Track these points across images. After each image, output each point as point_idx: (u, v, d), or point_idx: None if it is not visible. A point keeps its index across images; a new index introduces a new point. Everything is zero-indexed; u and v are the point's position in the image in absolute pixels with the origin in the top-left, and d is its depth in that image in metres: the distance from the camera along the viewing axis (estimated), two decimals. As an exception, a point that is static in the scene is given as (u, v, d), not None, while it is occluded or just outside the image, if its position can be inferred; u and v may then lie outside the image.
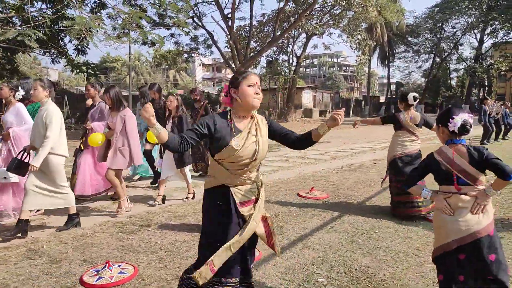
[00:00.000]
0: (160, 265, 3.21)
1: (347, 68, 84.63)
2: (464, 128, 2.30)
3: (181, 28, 15.35)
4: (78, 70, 24.13)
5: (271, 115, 28.75)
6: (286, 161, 9.19)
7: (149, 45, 25.59)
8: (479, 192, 2.24)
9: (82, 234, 3.96)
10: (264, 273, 3.07)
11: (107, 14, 19.47)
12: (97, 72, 25.36)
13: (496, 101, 14.13)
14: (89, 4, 21.10)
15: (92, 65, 24.57)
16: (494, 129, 13.07)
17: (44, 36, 11.38)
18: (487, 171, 2.26)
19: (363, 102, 43.53)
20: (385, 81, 52.70)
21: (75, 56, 23.80)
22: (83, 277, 2.91)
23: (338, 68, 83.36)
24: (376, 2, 23.93)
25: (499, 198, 5.41)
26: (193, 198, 5.41)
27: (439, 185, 2.38)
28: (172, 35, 24.94)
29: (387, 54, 44.73)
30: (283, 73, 28.85)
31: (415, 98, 4.68)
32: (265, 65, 31.46)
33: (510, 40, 39.85)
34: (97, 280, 2.84)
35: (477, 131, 14.97)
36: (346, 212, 4.79)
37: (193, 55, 33.19)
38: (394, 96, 52.24)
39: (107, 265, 2.96)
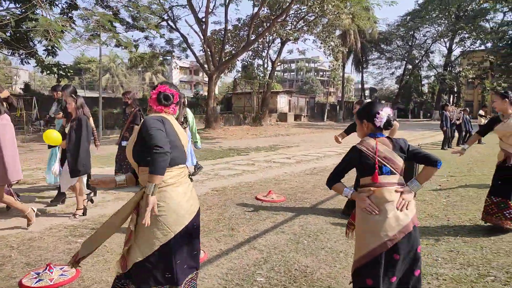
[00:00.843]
0: (104, 267, 3.26)
1: (324, 73, 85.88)
2: (389, 123, 2.35)
3: (152, 31, 15.16)
4: (48, 71, 23.61)
5: (246, 118, 28.91)
6: (252, 164, 9.32)
7: (122, 48, 25.40)
8: (405, 188, 2.29)
9: (31, 238, 3.95)
10: (205, 273, 3.17)
11: (78, 16, 19.18)
12: (68, 74, 24.87)
13: (456, 107, 14.74)
14: (59, 5, 20.79)
15: (63, 66, 24.05)
16: (455, 135, 13.62)
17: (8, 37, 11.14)
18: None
19: (337, 107, 44.29)
20: (361, 86, 53.77)
21: (45, 57, 23.23)
22: (22, 280, 2.93)
23: (315, 73, 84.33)
24: (349, 10, 24.48)
25: (444, 201, 5.69)
26: (83, 214, 4.72)
27: (361, 178, 2.36)
28: (146, 38, 24.77)
29: (361, 60, 45.74)
30: (258, 78, 29.07)
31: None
32: (240, 69, 31.63)
33: (477, 49, 41.52)
34: (36, 282, 2.86)
35: (438, 137, 15.56)
36: (299, 215, 4.95)
37: (169, 58, 33.05)
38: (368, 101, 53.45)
39: (48, 267, 2.99)
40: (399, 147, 2.33)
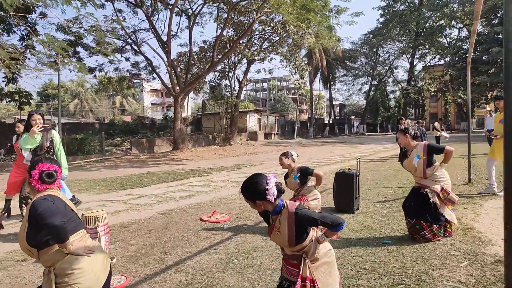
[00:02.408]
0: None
1: (296, 91, 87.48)
2: (280, 191, 2.23)
3: (117, 54, 15.12)
4: (9, 99, 22.97)
5: (216, 139, 28.94)
6: (208, 185, 9.30)
7: (87, 72, 25.17)
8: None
9: None
10: (121, 300, 3.12)
11: (37, 42, 18.98)
12: (30, 100, 24.29)
13: (410, 121, 15.28)
14: (18, 32, 20.46)
15: (25, 93, 23.50)
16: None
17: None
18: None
19: (308, 124, 45.00)
20: (329, 103, 54.96)
21: (5, 85, 22.61)
22: None
23: (287, 91, 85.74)
24: (312, 30, 25.22)
25: (385, 213, 5.85)
26: None
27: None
28: (111, 62, 24.67)
29: (328, 77, 46.92)
30: (225, 98, 29.30)
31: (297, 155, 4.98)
32: (208, 90, 31.82)
33: (437, 63, 43.46)
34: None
35: (396, 150, 16.02)
36: (238, 234, 4.96)
37: (136, 80, 32.89)
38: (338, 117, 54.60)
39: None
40: (299, 221, 2.23)
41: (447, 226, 4.42)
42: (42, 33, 18.99)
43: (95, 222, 3.90)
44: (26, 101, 22.97)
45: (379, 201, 6.74)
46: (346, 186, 5.90)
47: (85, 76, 22.65)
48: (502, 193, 6.44)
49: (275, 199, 2.22)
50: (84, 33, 18.43)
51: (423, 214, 4.34)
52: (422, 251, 3.98)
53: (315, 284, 2.24)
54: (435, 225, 4.34)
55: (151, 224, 5.57)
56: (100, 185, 10.06)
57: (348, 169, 6.19)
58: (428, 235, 4.30)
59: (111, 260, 3.94)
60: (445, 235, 4.40)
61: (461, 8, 34.92)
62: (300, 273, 2.26)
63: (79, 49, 23.09)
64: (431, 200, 4.37)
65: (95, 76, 25.28)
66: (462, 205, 5.75)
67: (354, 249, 4.21)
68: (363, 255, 4.00)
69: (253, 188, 2.22)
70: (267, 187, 2.17)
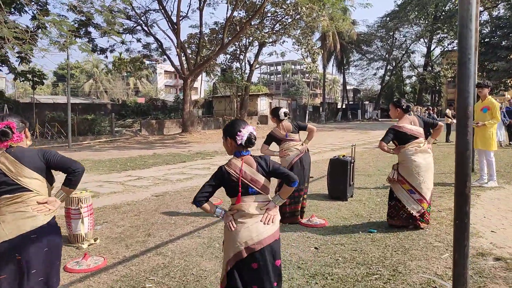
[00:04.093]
0: None
1: (309, 75, 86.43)
2: (250, 141, 2.36)
3: (111, 35, 15.10)
4: (23, 78, 23.28)
5: (226, 122, 28.92)
6: (208, 168, 9.32)
7: (98, 53, 25.28)
8: (270, 203, 2.38)
9: None
10: (95, 281, 3.16)
11: (46, 22, 19.04)
12: (43, 80, 24.56)
13: (420, 108, 14.94)
14: (29, 11, 20.59)
15: (38, 73, 23.77)
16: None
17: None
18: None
19: (320, 108, 44.53)
20: (343, 87, 54.18)
21: (18, 64, 22.89)
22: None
23: (302, 75, 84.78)
24: (325, 12, 24.66)
25: (378, 201, 5.76)
26: None
27: (230, 198, 2.38)
28: (122, 43, 24.67)
29: (342, 61, 46.11)
30: (236, 81, 29.11)
31: (285, 114, 4.86)
32: (219, 73, 31.65)
33: (455, 48, 42.12)
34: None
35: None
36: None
37: (148, 62, 32.89)
38: (351, 102, 53.86)
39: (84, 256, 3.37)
40: (261, 166, 2.37)
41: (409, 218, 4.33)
42: (55, 12, 19.02)
43: (78, 203, 3.96)
44: (39, 80, 23.24)
45: (375, 188, 6.65)
46: (340, 173, 5.82)
47: (101, 53, 22.67)
48: (489, 184, 6.32)
49: (242, 146, 2.35)
50: (93, 13, 18.44)
51: None
52: (406, 241, 3.92)
53: None
54: (390, 202, 4.50)
55: (142, 206, 5.63)
56: (104, 165, 10.21)
57: (343, 156, 6.09)
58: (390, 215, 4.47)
59: (94, 241, 4.00)
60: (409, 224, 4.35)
61: (482, -10, 33.56)
62: None
63: (91, 29, 23.18)
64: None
65: (106, 56, 25.38)
66: (451, 194, 5.62)
67: (338, 236, 4.17)
68: (346, 243, 3.95)
69: (229, 126, 2.43)
70: (240, 129, 2.34)
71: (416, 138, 4.34)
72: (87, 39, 23.50)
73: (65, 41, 13.85)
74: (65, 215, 4.06)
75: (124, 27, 23.90)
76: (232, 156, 2.42)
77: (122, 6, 21.56)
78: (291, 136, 4.88)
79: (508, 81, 30.61)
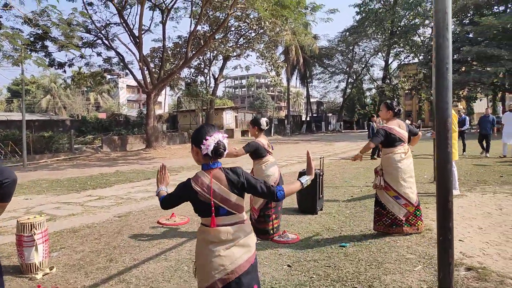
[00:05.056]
0: None
1: (273, 88, 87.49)
2: (217, 152, 2.08)
3: (69, 49, 14.57)
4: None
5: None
6: (174, 185, 8.97)
7: (56, 67, 24.26)
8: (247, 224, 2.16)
9: None
10: (49, 316, 2.86)
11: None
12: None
13: (380, 119, 15.37)
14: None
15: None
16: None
17: None
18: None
19: (285, 121, 45.02)
20: (306, 100, 55.19)
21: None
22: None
23: (266, 89, 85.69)
24: (288, 26, 25.11)
25: (348, 213, 5.74)
26: None
27: (201, 217, 2.14)
28: (82, 57, 23.83)
29: (305, 75, 47.06)
30: (201, 95, 28.89)
31: (267, 123, 4.70)
32: (183, 87, 31.31)
33: (411, 62, 44.18)
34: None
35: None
36: (194, 238, 4.72)
37: (109, 76, 31.96)
38: (315, 115, 54.91)
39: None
40: (232, 182, 2.11)
41: (418, 222, 4.42)
42: (8, 25, 18.08)
43: (31, 229, 3.62)
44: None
45: (344, 200, 6.65)
46: (309, 187, 5.74)
47: (54, 71, 21.81)
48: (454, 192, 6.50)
49: (209, 156, 2.09)
50: (50, 26, 17.70)
51: None
52: (378, 254, 3.87)
53: None
54: (374, 207, 4.56)
55: (103, 229, 5.28)
56: (62, 185, 9.64)
57: (312, 168, 6.03)
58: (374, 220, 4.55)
59: (50, 270, 3.67)
60: (392, 230, 4.43)
61: (433, 7, 35.55)
62: None
63: (48, 43, 22.25)
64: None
65: (64, 71, 24.41)
66: (424, 204, 5.69)
67: (311, 252, 4.06)
68: (319, 259, 3.85)
69: (196, 132, 2.16)
70: (206, 137, 2.08)
71: (402, 142, 4.40)
72: (43, 53, 22.59)
73: (19, 55, 13.19)
74: (17, 243, 3.69)
75: (83, 41, 23.18)
76: (200, 169, 2.14)
77: (81, 19, 20.92)
78: (271, 149, 4.73)
79: (461, 92, 32.37)
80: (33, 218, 3.71)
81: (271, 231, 4.58)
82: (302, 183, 2.30)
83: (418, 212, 4.42)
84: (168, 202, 2.30)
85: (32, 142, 19.10)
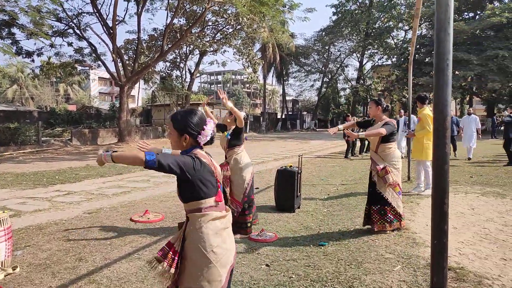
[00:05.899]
0: None
1: (250, 85, 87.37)
2: (212, 140, 2.03)
3: (38, 37, 13.91)
4: None
5: (165, 131, 28.01)
6: (147, 181, 8.77)
7: (24, 56, 23.20)
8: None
9: None
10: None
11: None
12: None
13: (357, 118, 15.59)
14: None
15: None
16: (356, 143, 14.35)
17: None
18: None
19: (261, 118, 45.02)
20: (282, 98, 55.44)
21: None
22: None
23: (242, 85, 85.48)
24: (266, 23, 25.02)
25: (325, 211, 5.72)
26: None
27: (202, 199, 1.90)
28: (52, 46, 22.87)
29: (282, 73, 47.21)
30: (176, 89, 28.40)
31: (246, 117, 4.88)
32: (158, 81, 30.69)
33: (384, 63, 45.12)
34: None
35: (343, 147, 16.30)
36: (169, 235, 4.57)
37: (80, 68, 30.92)
38: (290, 113, 55.23)
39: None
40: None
41: (394, 219, 4.44)
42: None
43: (-8, 227, 3.36)
44: None
45: (321, 199, 6.63)
46: (287, 184, 5.69)
47: (26, 57, 20.82)
48: (425, 192, 6.65)
49: (197, 143, 1.98)
50: (18, 13, 16.84)
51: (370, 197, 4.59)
52: (358, 254, 3.84)
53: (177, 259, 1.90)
54: (373, 207, 4.46)
55: (72, 225, 5.02)
56: (28, 179, 9.19)
57: (290, 166, 5.98)
58: (374, 220, 4.45)
59: (13, 270, 3.43)
60: (391, 227, 4.46)
61: (407, 10, 36.36)
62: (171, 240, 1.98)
63: (15, 30, 21.20)
64: (372, 179, 4.54)
65: (33, 60, 23.36)
66: (400, 204, 5.75)
67: (290, 251, 3.99)
68: (298, 258, 3.78)
69: (194, 119, 1.95)
70: (205, 126, 1.97)
71: (394, 139, 4.54)
72: (10, 41, 21.50)
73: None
74: (-24, 241, 3.43)
75: (53, 30, 22.25)
76: (190, 148, 1.96)
77: (52, 7, 20.09)
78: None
79: (431, 94, 33.37)
80: (-5, 214, 3.45)
81: (249, 224, 4.53)
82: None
83: None
84: (164, 162, 1.79)
85: (-4, 133, 18.18)
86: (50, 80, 50.97)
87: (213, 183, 1.96)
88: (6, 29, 20.64)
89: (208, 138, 2.00)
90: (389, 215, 4.41)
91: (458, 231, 4.62)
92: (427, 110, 6.78)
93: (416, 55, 32.20)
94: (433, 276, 1.46)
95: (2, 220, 3.47)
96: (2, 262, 3.42)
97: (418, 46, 33.27)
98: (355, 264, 3.57)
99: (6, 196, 6.99)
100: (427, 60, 30.82)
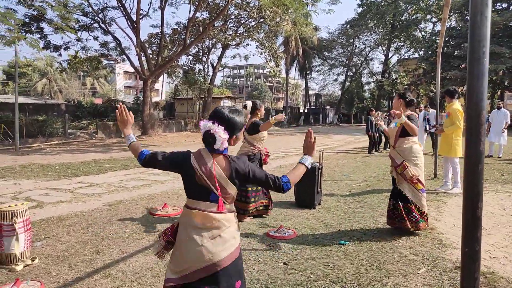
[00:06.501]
0: None
1: (272, 79, 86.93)
2: (213, 138, 1.90)
3: (65, 32, 14.15)
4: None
5: (188, 124, 28.23)
6: (167, 174, 8.77)
7: (51, 50, 23.78)
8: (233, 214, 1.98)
9: None
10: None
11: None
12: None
13: (381, 113, 15.18)
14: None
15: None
16: (383, 139, 13.97)
17: None
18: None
19: (283, 112, 44.73)
20: (305, 92, 54.89)
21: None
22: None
23: (265, 79, 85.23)
24: (289, 16, 24.71)
25: (346, 208, 5.56)
26: None
27: (187, 197, 1.94)
28: (78, 40, 23.36)
29: (305, 66, 46.68)
30: (199, 83, 28.51)
31: (245, 106, 5.03)
32: (181, 74, 30.90)
33: (411, 57, 43.89)
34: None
35: (366, 142, 15.93)
36: (187, 230, 4.54)
37: (106, 62, 31.50)
38: (313, 107, 54.64)
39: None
40: (236, 170, 1.92)
41: (420, 219, 4.22)
42: (1, 5, 17.49)
43: (11, 218, 3.40)
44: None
45: (343, 195, 6.46)
46: (307, 180, 5.53)
47: (54, 51, 21.31)
48: (453, 191, 6.33)
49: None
50: (46, 8, 17.19)
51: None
52: (380, 254, 3.68)
53: None
54: (398, 205, 4.22)
55: (92, 218, 5.06)
56: (53, 170, 9.39)
57: (311, 161, 5.82)
58: (399, 219, 4.23)
59: (31, 261, 3.46)
60: (415, 227, 4.22)
61: (436, 1, 35.18)
62: None
63: (44, 25, 21.75)
64: (390, 175, 4.42)
65: (60, 54, 23.95)
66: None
67: (308, 249, 3.87)
68: (317, 257, 3.66)
69: (238, 115, 1.97)
70: (200, 122, 1.94)
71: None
72: (39, 35, 22.04)
73: (12, 36, 12.76)
74: (-4, 231, 3.47)
75: (80, 24, 22.68)
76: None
77: (78, 1, 20.46)
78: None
79: (459, 89, 32.20)
80: (14, 206, 3.48)
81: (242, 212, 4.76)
82: (306, 166, 2.13)
83: None
84: (152, 160, 2.04)
85: (26, 125, 18.76)
86: (77, 73, 52.20)
87: (196, 188, 1.98)
88: (35, 24, 21.21)
89: (202, 132, 1.93)
90: (415, 213, 4.18)
91: (488, 232, 4.37)
92: (457, 105, 6.47)
93: (445, 48, 31.10)
94: (462, 285, 1.32)
95: (22, 211, 3.49)
96: (21, 253, 3.45)
97: (447, 39, 32.13)
98: (376, 265, 3.42)
99: (31, 187, 7.14)
100: (456, 53, 29.76)
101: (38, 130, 19.55)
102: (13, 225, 3.40)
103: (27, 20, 20.09)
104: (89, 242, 4.09)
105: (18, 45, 12.15)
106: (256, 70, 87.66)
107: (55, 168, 9.77)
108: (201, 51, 28.47)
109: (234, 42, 26.35)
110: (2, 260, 3.45)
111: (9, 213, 3.40)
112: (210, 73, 29.82)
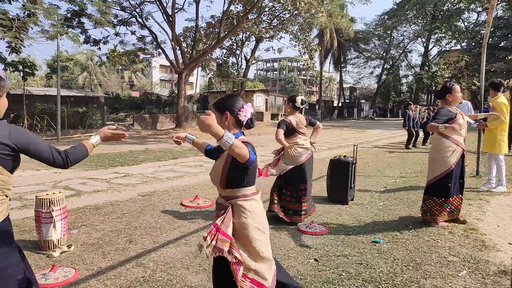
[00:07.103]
0: None
1: (306, 72, 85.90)
2: (252, 121, 2.18)
3: (104, 26, 14.55)
4: (13, 69, 22.64)
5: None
6: (200, 166, 8.89)
7: (91, 44, 24.60)
8: None
9: None
10: (62, 299, 2.73)
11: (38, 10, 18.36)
12: (34, 71, 23.89)
13: (420, 107, 14.58)
14: (19, 1, 19.86)
15: (28, 64, 23.13)
16: (419, 133, 13.44)
17: None
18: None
19: (316, 106, 44.15)
20: (339, 85, 53.85)
21: (8, 54, 22.31)
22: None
23: (298, 72, 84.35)
24: (324, 8, 24.23)
25: (381, 205, 5.36)
26: None
27: (247, 187, 2.09)
28: (117, 34, 24.04)
29: (339, 59, 45.71)
30: (232, 76, 28.62)
31: (302, 102, 4.61)
32: (215, 68, 31.13)
33: (453, 48, 41.88)
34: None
35: (404, 137, 15.37)
36: (217, 223, 4.54)
37: (143, 55, 32.22)
38: (348, 101, 53.55)
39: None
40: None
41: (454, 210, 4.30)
42: (46, 1, 18.30)
43: (49, 206, 3.51)
44: (30, 71, 22.58)
45: (378, 191, 6.25)
46: (340, 175, 5.40)
47: (94, 45, 22.07)
48: (497, 189, 5.96)
49: (240, 125, 2.12)
50: (86, 3, 17.76)
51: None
52: (416, 254, 3.51)
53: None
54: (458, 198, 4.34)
55: (126, 207, 5.18)
56: (91, 161, 9.71)
57: (344, 156, 5.68)
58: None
59: (68, 248, 3.57)
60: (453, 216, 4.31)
61: (482, -10, 33.26)
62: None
63: (84, 20, 22.50)
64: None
65: (99, 48, 24.74)
66: (466, 201, 5.21)
67: (340, 246, 3.76)
68: (349, 254, 3.55)
69: (231, 100, 2.14)
70: (244, 106, 2.11)
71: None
72: (80, 30, 22.86)
73: (54, 30, 13.28)
74: (35, 218, 3.60)
75: (118, 19, 23.30)
76: (235, 134, 2.09)
77: (116, -3, 21.00)
78: (303, 130, 4.58)
79: (506, 82, 30.42)
80: (52, 194, 3.60)
81: (299, 213, 4.56)
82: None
83: None
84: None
85: (67, 117, 19.58)
86: (115, 67, 53.87)
87: (254, 172, 2.11)
88: (76, 19, 21.98)
89: (248, 116, 2.11)
90: (450, 205, 4.29)
91: (537, 235, 4.07)
92: (502, 98, 6.07)
93: (489, 39, 29.44)
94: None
95: (59, 200, 3.61)
96: (58, 240, 3.57)
97: (492, 29, 30.34)
98: (413, 266, 3.26)
99: (70, 176, 7.42)
100: (502, 44, 28.09)
101: (78, 121, 20.37)
102: (51, 213, 3.52)
103: (69, 15, 20.85)
104: (123, 231, 4.18)
105: (60, 39, 12.64)
106: (289, 63, 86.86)
107: (94, 158, 10.10)
108: (234, 44, 28.50)
109: (267, 35, 26.16)
110: (41, 246, 3.59)
111: (47, 201, 3.52)
112: (244, 66, 29.83)
